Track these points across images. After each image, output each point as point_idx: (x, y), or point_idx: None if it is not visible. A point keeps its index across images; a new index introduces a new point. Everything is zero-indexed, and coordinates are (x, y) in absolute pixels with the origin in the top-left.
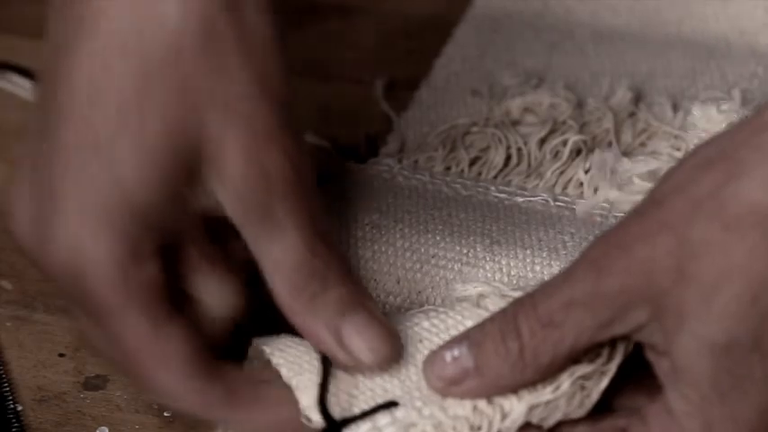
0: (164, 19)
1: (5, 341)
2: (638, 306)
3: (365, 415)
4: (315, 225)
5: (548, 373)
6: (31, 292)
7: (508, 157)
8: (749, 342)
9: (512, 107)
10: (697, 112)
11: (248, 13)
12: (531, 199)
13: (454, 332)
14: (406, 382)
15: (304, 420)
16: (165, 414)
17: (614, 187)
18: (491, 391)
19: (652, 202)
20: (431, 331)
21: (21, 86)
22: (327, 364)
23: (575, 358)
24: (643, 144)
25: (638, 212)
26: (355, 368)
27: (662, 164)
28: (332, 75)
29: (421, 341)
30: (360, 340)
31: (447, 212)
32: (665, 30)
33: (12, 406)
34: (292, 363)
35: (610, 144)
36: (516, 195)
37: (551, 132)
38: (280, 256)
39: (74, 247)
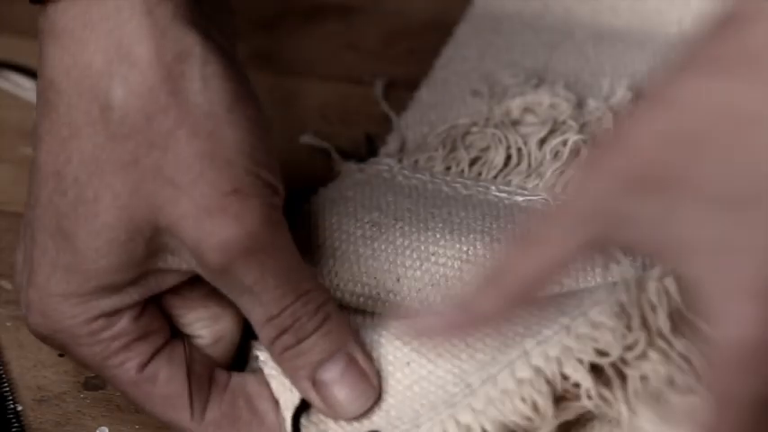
0: (108, 98)
1: (5, 341)
2: None
3: None
4: (282, 282)
5: None
6: None
7: (508, 157)
8: None
9: (512, 107)
10: None
11: (192, 82)
12: (531, 198)
13: (440, 349)
14: (390, 412)
15: None
16: None
17: None
18: None
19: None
20: (419, 352)
21: (21, 86)
22: None
23: None
24: None
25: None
26: (338, 417)
27: None
28: (332, 75)
29: (408, 364)
30: (338, 391)
31: (447, 211)
32: (665, 30)
33: (12, 406)
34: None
35: None
36: (516, 195)
37: (551, 132)
38: (250, 312)
39: (45, 315)
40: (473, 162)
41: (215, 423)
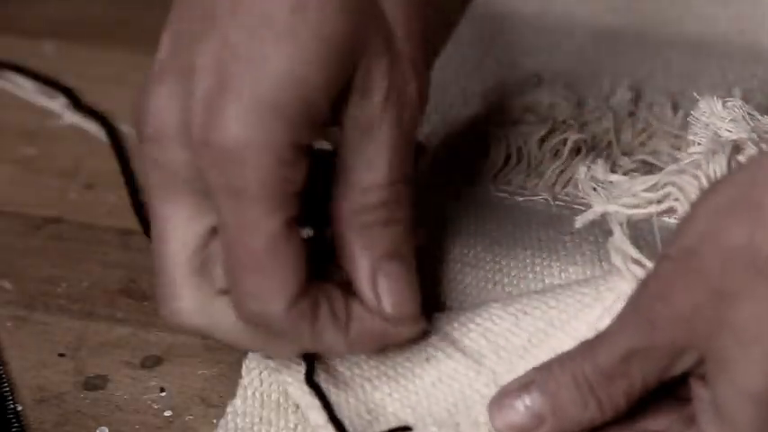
0: None
1: (5, 341)
2: (687, 352)
3: None
4: (403, 165)
5: (626, 412)
6: (31, 292)
7: (508, 156)
8: None
9: (512, 107)
10: (703, 105)
11: None
12: (532, 198)
13: (460, 346)
14: (417, 409)
15: None
16: (166, 414)
17: (610, 201)
18: None
19: (685, 251)
20: (436, 347)
21: (21, 86)
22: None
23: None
24: (643, 143)
25: (673, 260)
26: (378, 311)
27: (659, 177)
28: None
29: (427, 360)
30: (393, 287)
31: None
32: (665, 29)
33: (12, 406)
34: (298, 382)
35: (609, 144)
36: (516, 195)
37: (551, 132)
38: (363, 173)
39: (241, 135)
40: None
41: (300, 314)
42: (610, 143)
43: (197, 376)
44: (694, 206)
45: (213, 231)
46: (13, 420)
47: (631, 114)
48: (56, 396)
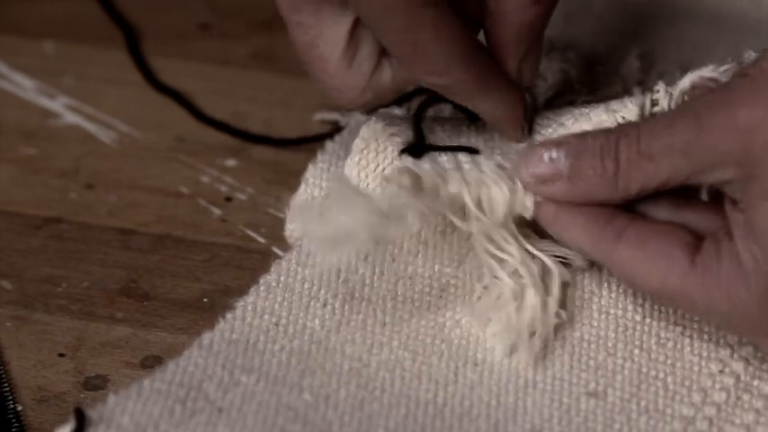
0: None
1: (5, 341)
2: (729, 165)
3: (449, 148)
4: None
5: (632, 199)
6: (31, 292)
7: None
8: None
9: None
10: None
11: None
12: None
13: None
14: (488, 142)
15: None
16: None
17: None
18: (575, 199)
19: (763, 71)
20: None
21: (21, 86)
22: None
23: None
24: None
25: (749, 77)
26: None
27: None
28: None
29: None
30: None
31: None
32: (681, 1)
33: (12, 406)
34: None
35: None
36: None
37: (559, 94)
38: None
39: None
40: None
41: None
42: None
43: None
44: None
45: (355, 23)
46: (13, 420)
47: (641, 83)
48: (56, 396)
